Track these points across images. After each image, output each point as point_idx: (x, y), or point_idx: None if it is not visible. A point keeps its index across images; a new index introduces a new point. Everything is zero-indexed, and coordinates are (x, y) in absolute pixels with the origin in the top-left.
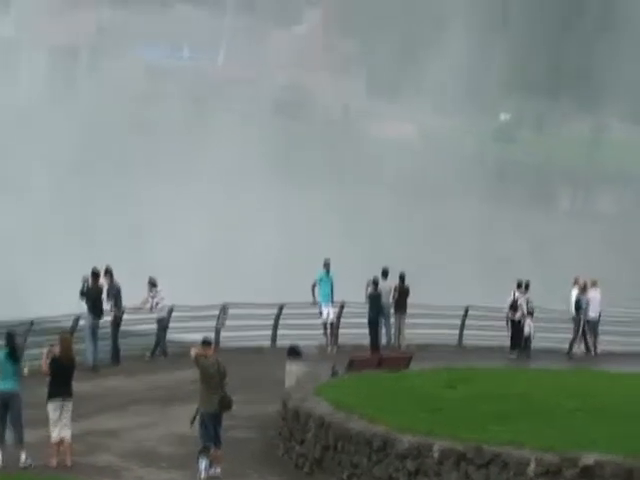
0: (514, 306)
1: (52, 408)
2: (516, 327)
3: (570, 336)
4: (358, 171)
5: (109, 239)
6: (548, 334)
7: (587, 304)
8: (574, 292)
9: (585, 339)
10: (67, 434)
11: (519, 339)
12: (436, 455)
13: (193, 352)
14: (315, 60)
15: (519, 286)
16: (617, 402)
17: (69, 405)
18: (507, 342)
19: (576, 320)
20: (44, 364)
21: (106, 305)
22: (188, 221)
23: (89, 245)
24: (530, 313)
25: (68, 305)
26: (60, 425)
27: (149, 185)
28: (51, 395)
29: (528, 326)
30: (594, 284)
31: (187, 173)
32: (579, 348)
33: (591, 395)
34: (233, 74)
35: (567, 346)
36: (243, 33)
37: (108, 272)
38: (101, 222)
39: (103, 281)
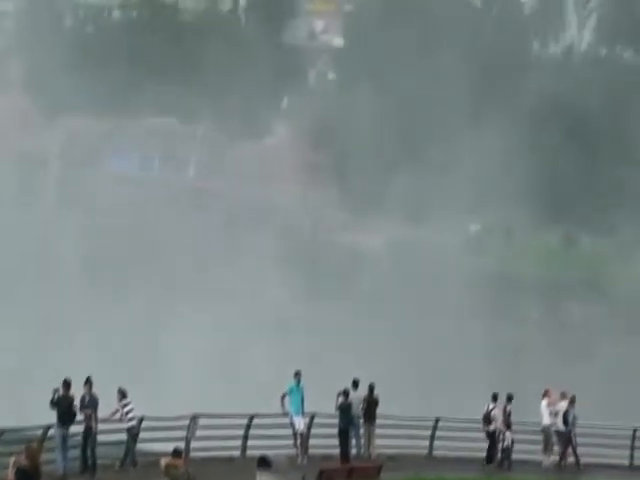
0: (487, 418)
1: None
2: (491, 439)
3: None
4: (328, 282)
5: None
6: (521, 445)
7: (575, 417)
8: (544, 403)
9: (575, 451)
10: None
11: (494, 451)
12: None
13: (163, 462)
14: (286, 172)
15: (494, 398)
16: None
17: None
18: (479, 453)
19: (547, 433)
20: (10, 474)
21: (79, 415)
22: (169, 333)
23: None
24: (508, 425)
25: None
26: None
27: (126, 294)
28: None
29: (507, 438)
30: (564, 396)
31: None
32: (548, 459)
33: None
34: (204, 185)
35: (540, 458)
36: (214, 145)
37: (89, 382)
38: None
39: (84, 390)
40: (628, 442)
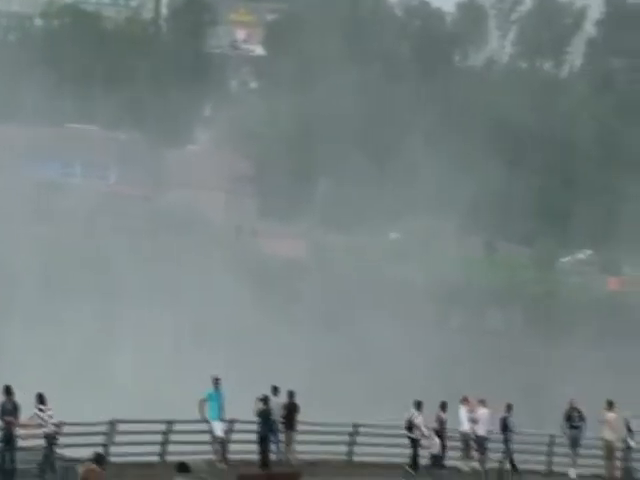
0: (409, 426)
1: None
2: (414, 446)
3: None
4: (252, 288)
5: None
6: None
7: (513, 424)
8: (463, 410)
9: (511, 458)
10: None
11: (417, 458)
12: None
13: (82, 468)
14: (208, 179)
15: (417, 406)
16: None
17: None
18: (401, 460)
19: (466, 439)
20: None
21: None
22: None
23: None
24: (439, 433)
25: None
26: None
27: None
28: None
29: (435, 445)
30: (482, 402)
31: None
32: (467, 465)
33: None
34: (125, 191)
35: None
36: (136, 151)
37: (9, 390)
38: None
39: (4, 398)
40: (545, 448)
